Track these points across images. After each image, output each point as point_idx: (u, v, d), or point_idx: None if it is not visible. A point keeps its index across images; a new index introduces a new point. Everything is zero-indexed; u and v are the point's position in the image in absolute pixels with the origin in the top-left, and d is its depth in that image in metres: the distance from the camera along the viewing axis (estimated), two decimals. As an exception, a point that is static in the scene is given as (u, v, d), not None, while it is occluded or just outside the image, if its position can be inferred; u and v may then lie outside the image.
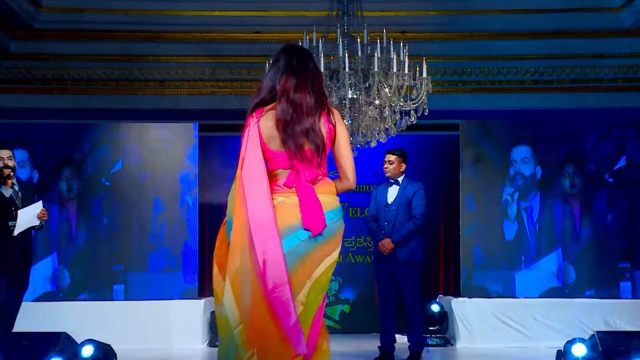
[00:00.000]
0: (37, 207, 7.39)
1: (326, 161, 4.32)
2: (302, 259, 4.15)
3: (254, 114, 4.35)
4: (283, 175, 4.27)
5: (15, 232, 7.28)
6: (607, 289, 10.08)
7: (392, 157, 8.25)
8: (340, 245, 4.32)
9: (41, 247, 9.87)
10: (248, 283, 4.06)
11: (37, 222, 7.43)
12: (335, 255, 4.25)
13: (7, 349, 6.06)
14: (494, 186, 10.24)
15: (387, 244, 8.08)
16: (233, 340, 4.08)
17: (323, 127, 4.27)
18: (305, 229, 4.16)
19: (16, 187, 7.52)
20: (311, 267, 4.16)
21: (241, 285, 4.07)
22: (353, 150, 8.06)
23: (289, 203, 4.21)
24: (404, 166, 8.26)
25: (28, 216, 7.33)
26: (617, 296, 9.99)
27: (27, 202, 7.49)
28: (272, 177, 4.27)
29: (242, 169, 4.19)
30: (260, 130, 4.28)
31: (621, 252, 10.18)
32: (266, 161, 4.26)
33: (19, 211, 7.28)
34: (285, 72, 4.34)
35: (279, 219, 4.15)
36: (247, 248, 4.08)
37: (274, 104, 4.31)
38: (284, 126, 4.23)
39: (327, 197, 4.26)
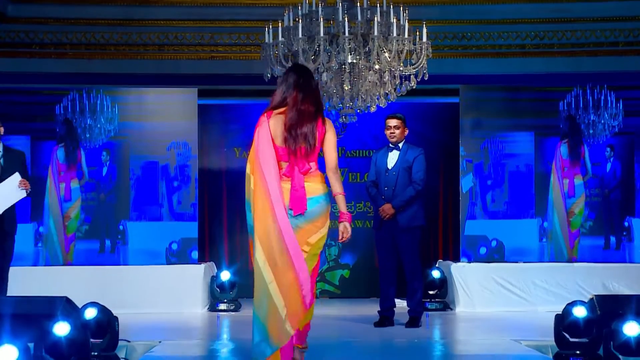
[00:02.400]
0: (14, 180, 7.31)
1: (317, 156, 5.55)
2: (298, 229, 5.44)
3: (265, 114, 5.52)
4: (283, 166, 5.50)
5: (0, 211, 7.28)
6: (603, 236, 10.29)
7: (397, 122, 8.14)
8: (328, 221, 5.59)
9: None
10: (273, 245, 5.33)
11: (23, 194, 7.38)
12: (324, 230, 5.56)
13: (7, 313, 6.07)
14: (494, 151, 10.24)
15: (387, 209, 8.07)
16: (266, 293, 5.30)
17: (317, 131, 5.51)
18: (290, 208, 5.43)
19: None
20: (307, 236, 5.48)
21: (269, 247, 5.33)
22: (352, 116, 8.10)
23: (285, 188, 5.46)
24: (407, 130, 8.22)
25: (6, 191, 7.28)
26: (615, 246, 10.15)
27: (11, 167, 7.42)
28: (278, 165, 5.48)
29: (257, 156, 5.41)
30: (270, 127, 5.47)
31: (619, 203, 10.27)
32: (276, 151, 5.46)
33: None
34: (295, 88, 5.54)
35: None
36: (270, 217, 5.33)
37: (282, 109, 5.52)
38: (290, 128, 5.46)
39: (315, 185, 5.52)
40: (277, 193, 5.35)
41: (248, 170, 5.47)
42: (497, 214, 10.23)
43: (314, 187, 5.52)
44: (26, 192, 7.39)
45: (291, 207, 5.44)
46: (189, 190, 10.27)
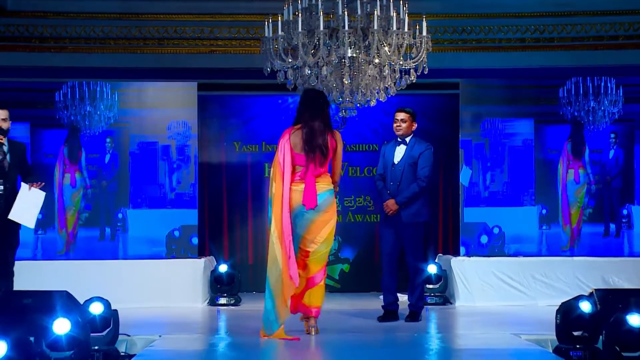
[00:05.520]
0: (24, 189, 7.35)
1: (328, 163, 6.97)
2: (312, 222, 6.95)
3: (287, 130, 6.97)
4: (299, 170, 6.92)
5: (32, 225, 7.46)
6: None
7: (404, 115, 8.08)
8: (336, 212, 7.10)
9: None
10: (278, 233, 6.81)
11: (42, 194, 7.43)
12: (333, 221, 7.07)
13: (8, 307, 6.07)
14: (494, 144, 10.25)
15: (391, 204, 8.01)
16: (279, 270, 6.77)
17: (329, 143, 6.91)
18: (302, 204, 6.89)
19: (5, 149, 7.48)
20: (319, 228, 6.98)
21: (279, 232, 6.80)
22: (352, 110, 8.09)
23: (299, 190, 6.90)
24: (415, 125, 8.15)
25: (26, 203, 7.32)
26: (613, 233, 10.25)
27: (15, 161, 7.45)
28: (294, 169, 6.91)
29: (279, 164, 6.84)
30: (290, 141, 6.90)
31: (619, 190, 10.30)
32: (294, 159, 6.89)
33: (15, 212, 7.27)
34: (306, 109, 6.99)
35: (295, 200, 6.89)
36: (280, 214, 6.81)
37: (299, 125, 6.96)
38: (307, 141, 6.89)
39: (323, 185, 6.96)
40: (286, 194, 6.81)
41: (271, 176, 6.96)
42: (496, 200, 10.24)
43: (322, 186, 6.95)
44: (40, 189, 7.44)
45: (304, 203, 6.88)
46: (188, 170, 10.28)
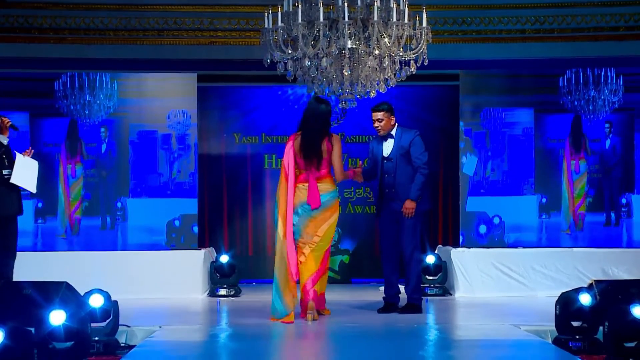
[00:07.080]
0: (19, 159, 7.41)
1: (327, 165, 7.53)
2: (311, 220, 7.51)
3: (292, 136, 7.60)
4: (304, 172, 7.54)
5: (34, 189, 7.53)
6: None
7: (380, 115, 7.98)
8: (337, 212, 7.64)
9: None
10: (283, 234, 7.46)
11: (35, 162, 7.48)
12: (333, 219, 7.61)
13: (8, 298, 6.08)
14: (494, 133, 10.26)
15: (409, 205, 7.87)
16: (283, 260, 7.41)
17: (325, 147, 7.49)
18: (307, 204, 7.51)
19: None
20: (318, 226, 7.52)
21: (284, 235, 7.45)
22: (352, 101, 8.09)
23: (303, 189, 7.51)
24: (393, 119, 8.05)
25: (25, 170, 7.36)
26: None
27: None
28: (300, 171, 7.55)
29: (284, 169, 7.51)
30: (293, 146, 7.52)
31: (619, 179, 10.32)
32: (298, 163, 7.53)
33: (16, 177, 7.31)
34: (305, 116, 7.56)
35: (300, 198, 7.52)
36: (284, 214, 7.44)
37: (300, 132, 7.55)
38: (301, 148, 7.51)
39: (325, 186, 7.56)
40: (291, 197, 7.45)
41: (280, 178, 7.55)
42: (496, 189, 10.26)
43: (325, 187, 7.54)
44: (32, 158, 7.54)
45: (309, 202, 7.47)
46: (189, 160, 10.29)
